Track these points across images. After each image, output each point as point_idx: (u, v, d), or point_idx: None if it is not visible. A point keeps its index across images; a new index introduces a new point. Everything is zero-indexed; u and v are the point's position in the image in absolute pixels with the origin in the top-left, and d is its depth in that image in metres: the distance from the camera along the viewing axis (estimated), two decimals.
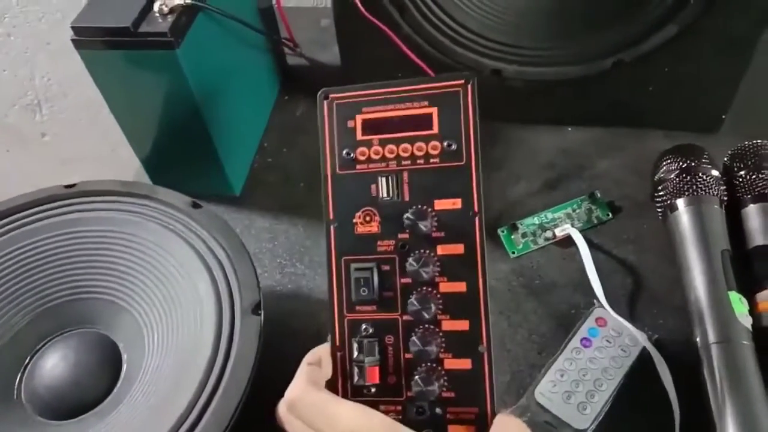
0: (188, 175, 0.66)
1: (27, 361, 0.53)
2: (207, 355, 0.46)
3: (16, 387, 0.52)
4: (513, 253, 0.62)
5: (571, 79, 0.67)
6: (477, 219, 0.39)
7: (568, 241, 0.62)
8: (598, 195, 0.64)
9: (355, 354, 0.40)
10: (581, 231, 0.61)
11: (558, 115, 0.72)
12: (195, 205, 0.56)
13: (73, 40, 0.56)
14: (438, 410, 0.39)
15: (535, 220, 0.64)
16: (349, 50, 0.72)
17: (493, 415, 0.38)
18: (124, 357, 0.53)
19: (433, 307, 0.38)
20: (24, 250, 0.54)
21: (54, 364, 0.52)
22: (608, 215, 0.63)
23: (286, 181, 0.73)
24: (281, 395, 0.39)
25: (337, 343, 0.40)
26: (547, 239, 0.62)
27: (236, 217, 0.70)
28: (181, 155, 0.67)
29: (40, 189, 0.58)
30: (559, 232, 0.62)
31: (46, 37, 1.13)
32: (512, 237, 0.63)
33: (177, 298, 0.51)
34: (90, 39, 0.56)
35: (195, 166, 0.68)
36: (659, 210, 0.60)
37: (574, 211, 0.64)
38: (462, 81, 0.40)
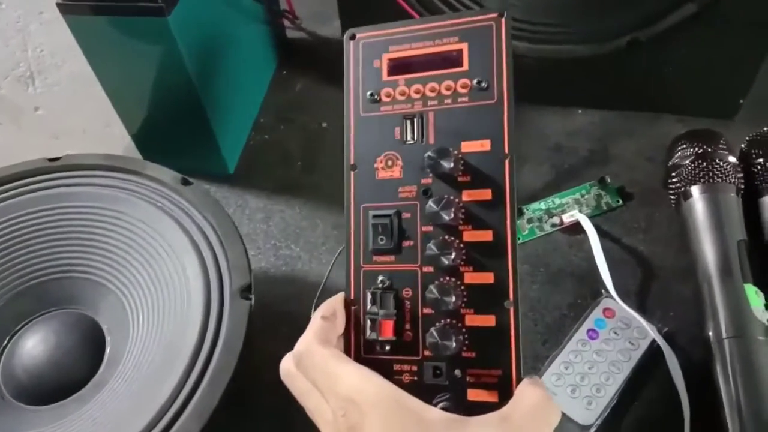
0: (180, 152, 0.63)
1: (5, 342, 0.51)
2: (193, 341, 0.44)
3: None
4: (518, 239, 0.59)
5: (584, 58, 0.64)
6: (507, 161, 0.36)
7: (575, 228, 0.59)
8: (608, 180, 0.62)
9: (369, 306, 0.37)
10: (590, 218, 0.59)
11: (568, 96, 0.70)
12: (185, 182, 0.54)
13: (58, 5, 0.53)
14: (457, 372, 0.36)
15: (542, 205, 0.61)
16: (352, 24, 0.69)
17: (519, 379, 0.34)
18: (108, 339, 0.51)
19: (454, 254, 0.36)
20: (3, 225, 0.52)
21: (33, 346, 0.50)
22: (618, 202, 0.61)
23: (283, 160, 0.71)
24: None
25: (352, 296, 0.38)
26: (553, 225, 0.60)
27: (229, 196, 0.68)
28: (172, 130, 0.65)
29: (23, 162, 0.55)
30: (567, 218, 0.59)
31: (38, 6, 1.11)
32: (517, 222, 0.60)
33: (164, 279, 0.49)
34: (77, 3, 0.53)
35: (187, 142, 0.66)
36: (672, 197, 0.57)
37: (582, 196, 0.61)
38: (495, 15, 0.37)
